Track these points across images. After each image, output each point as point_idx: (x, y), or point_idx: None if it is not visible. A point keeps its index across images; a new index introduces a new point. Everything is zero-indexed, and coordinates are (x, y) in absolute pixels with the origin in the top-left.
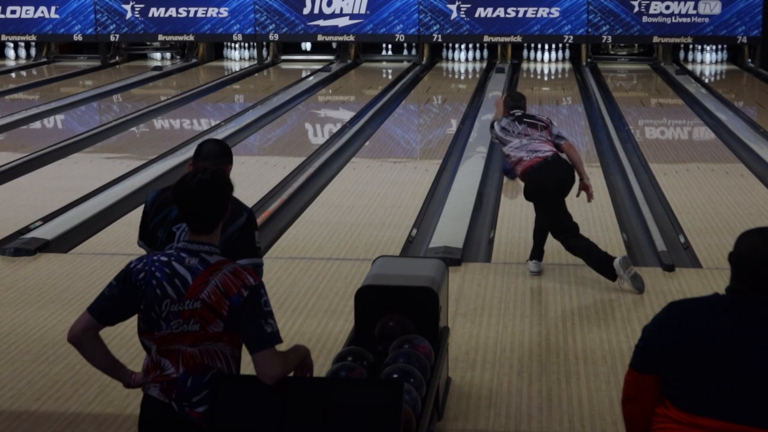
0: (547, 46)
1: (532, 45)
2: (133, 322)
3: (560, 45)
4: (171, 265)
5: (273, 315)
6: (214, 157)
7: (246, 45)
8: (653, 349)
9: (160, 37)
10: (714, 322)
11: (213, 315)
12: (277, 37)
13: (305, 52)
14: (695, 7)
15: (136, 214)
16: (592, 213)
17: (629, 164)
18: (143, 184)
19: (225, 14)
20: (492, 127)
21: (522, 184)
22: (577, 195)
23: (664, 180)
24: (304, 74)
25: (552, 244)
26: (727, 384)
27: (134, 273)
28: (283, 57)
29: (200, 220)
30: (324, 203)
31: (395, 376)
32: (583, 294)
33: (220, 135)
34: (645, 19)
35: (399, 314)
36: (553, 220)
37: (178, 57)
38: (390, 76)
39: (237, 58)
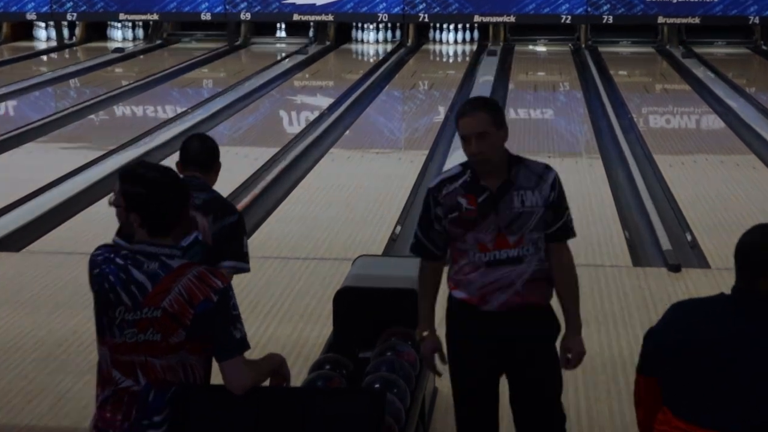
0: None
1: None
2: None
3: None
4: (127, 270)
5: (240, 319)
6: (201, 162)
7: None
8: (657, 351)
9: (122, 16)
10: (720, 324)
11: (175, 324)
12: (249, 16)
13: (279, 33)
14: None
15: (96, 209)
16: (592, 209)
17: (632, 155)
18: (103, 176)
19: None
20: None
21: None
22: None
23: (669, 172)
24: (278, 57)
25: None
26: (732, 391)
27: (92, 263)
28: (256, 38)
29: (160, 218)
30: (300, 198)
31: (377, 385)
32: (582, 296)
33: (187, 123)
34: None
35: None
36: None
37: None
38: (371, 60)
39: (201, 37)
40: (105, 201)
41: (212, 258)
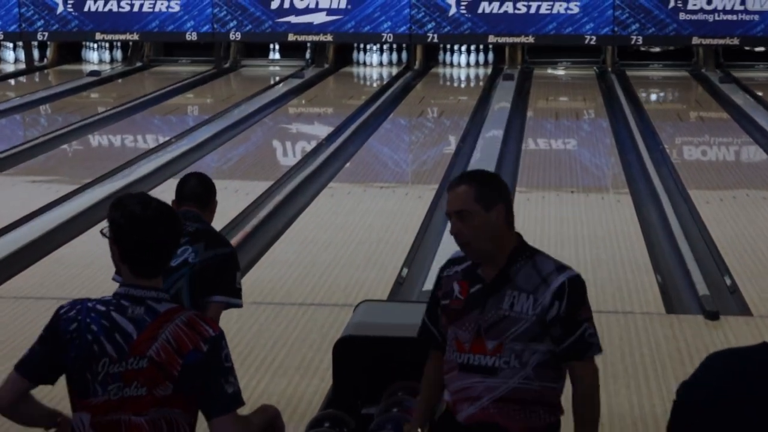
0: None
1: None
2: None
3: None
4: (110, 316)
5: (234, 371)
6: (197, 197)
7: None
8: (690, 407)
9: (98, 36)
10: (763, 378)
11: (162, 376)
12: (239, 36)
13: (273, 55)
14: (743, 2)
15: (68, 251)
16: (620, 250)
17: (664, 191)
18: (76, 213)
19: (176, 8)
20: None
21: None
22: None
23: (706, 210)
24: (271, 81)
25: None
26: None
27: (64, 321)
28: (246, 61)
29: (149, 259)
30: (295, 238)
31: None
32: (609, 347)
33: (170, 154)
34: (682, 16)
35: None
36: None
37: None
38: (375, 84)
39: (190, 61)
40: (78, 242)
41: (198, 287)
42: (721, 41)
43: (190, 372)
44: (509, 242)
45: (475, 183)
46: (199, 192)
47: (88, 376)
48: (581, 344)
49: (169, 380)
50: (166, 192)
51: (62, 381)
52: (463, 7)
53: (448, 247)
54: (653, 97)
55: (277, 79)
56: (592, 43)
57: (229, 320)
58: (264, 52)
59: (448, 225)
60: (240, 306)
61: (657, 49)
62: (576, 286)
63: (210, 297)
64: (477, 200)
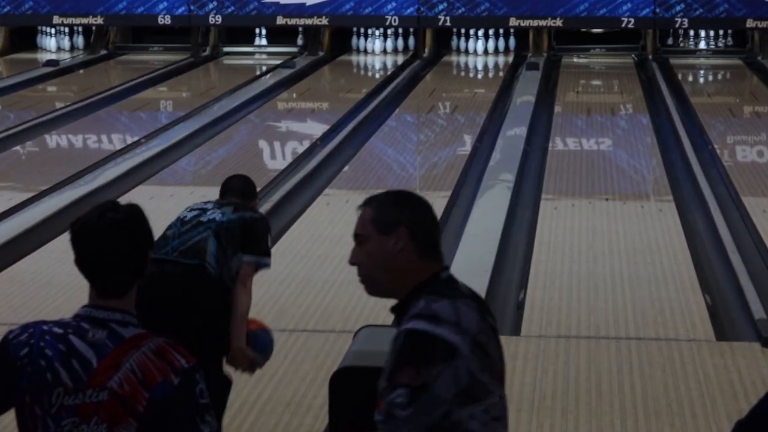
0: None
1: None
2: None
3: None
4: (67, 339)
5: (211, 409)
6: (240, 193)
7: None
8: None
9: (56, 19)
10: None
11: (124, 412)
12: (219, 19)
13: (259, 41)
14: None
15: (23, 267)
16: (662, 266)
17: (713, 197)
18: (32, 225)
19: None
20: None
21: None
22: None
23: (762, 220)
24: (257, 72)
25: (610, 311)
26: None
27: (15, 346)
28: (229, 48)
29: (111, 277)
30: (287, 252)
31: None
32: (651, 379)
33: (139, 156)
34: None
35: None
36: None
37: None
38: (377, 75)
39: (162, 48)
40: (34, 258)
41: (224, 241)
42: None
43: (158, 408)
44: (415, 277)
45: (377, 203)
46: (242, 188)
47: (38, 410)
48: (384, 413)
49: (132, 417)
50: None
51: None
52: None
53: (460, 264)
54: (701, 89)
55: (264, 69)
56: (630, 26)
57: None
58: (249, 38)
59: (462, 239)
60: (268, 266)
61: (599, 30)
62: (411, 341)
63: (238, 255)
64: (372, 221)
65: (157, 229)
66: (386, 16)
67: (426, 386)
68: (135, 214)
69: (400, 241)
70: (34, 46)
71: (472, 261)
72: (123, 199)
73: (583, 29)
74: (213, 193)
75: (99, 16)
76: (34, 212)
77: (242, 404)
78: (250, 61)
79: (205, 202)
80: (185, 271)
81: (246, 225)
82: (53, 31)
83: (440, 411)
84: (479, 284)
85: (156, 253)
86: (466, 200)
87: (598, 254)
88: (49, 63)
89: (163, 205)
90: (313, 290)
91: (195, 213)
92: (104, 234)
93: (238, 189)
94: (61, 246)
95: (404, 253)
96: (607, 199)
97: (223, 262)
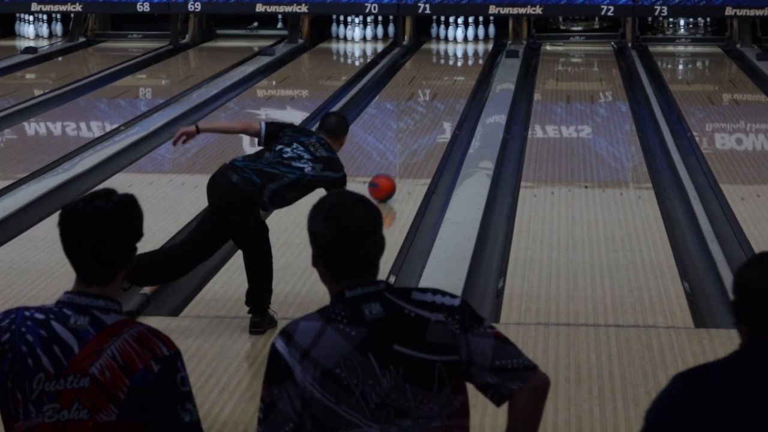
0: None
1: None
2: None
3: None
4: (49, 325)
5: (192, 397)
6: (331, 131)
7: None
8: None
9: (34, 6)
10: (732, 393)
11: (105, 398)
12: (198, 6)
13: (239, 28)
14: None
15: (0, 256)
16: (641, 254)
17: (692, 185)
18: (9, 214)
19: None
20: None
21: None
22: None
23: (740, 207)
24: (237, 59)
25: (588, 299)
26: None
27: None
28: (208, 35)
29: (94, 264)
30: None
31: None
32: (630, 366)
33: (119, 144)
34: None
35: None
36: None
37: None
38: (357, 62)
39: (141, 36)
40: (12, 246)
41: (297, 189)
42: (760, 12)
43: (139, 395)
44: (331, 290)
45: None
46: (334, 128)
47: (19, 395)
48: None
49: (113, 404)
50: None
51: None
52: None
53: (441, 252)
54: (680, 76)
55: (244, 57)
56: (610, 14)
57: (188, 336)
58: (228, 26)
59: (442, 227)
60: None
61: (579, 28)
62: (269, 355)
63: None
64: None
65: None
66: (366, 4)
67: (273, 404)
68: (124, 205)
69: (313, 257)
70: (12, 33)
71: (451, 249)
72: (101, 187)
73: (563, 25)
74: (193, 180)
75: (77, 3)
76: (12, 200)
77: (220, 392)
78: (229, 49)
79: (305, 143)
80: (240, 188)
81: (326, 182)
82: (32, 18)
83: (287, 429)
84: (458, 272)
85: (240, 160)
86: (445, 188)
87: (578, 242)
88: (28, 50)
89: (142, 192)
90: (292, 278)
91: (292, 156)
92: (87, 221)
93: (329, 129)
94: (40, 234)
95: (319, 268)
96: (586, 187)
97: (279, 199)
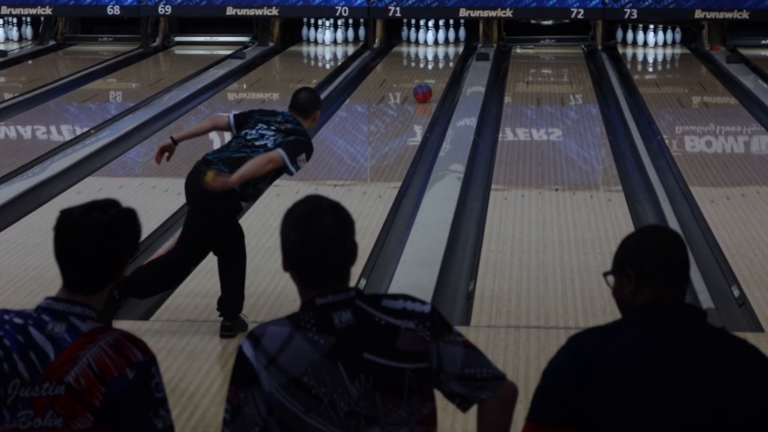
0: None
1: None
2: None
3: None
4: (27, 330)
5: (167, 403)
6: (301, 108)
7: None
8: (557, 397)
9: (3, 9)
10: (631, 352)
11: (81, 406)
12: (169, 9)
13: (209, 32)
14: None
15: None
16: (612, 255)
17: (662, 188)
18: None
19: None
20: None
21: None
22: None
23: (710, 210)
24: (207, 63)
25: (559, 301)
26: None
27: None
28: (178, 38)
29: (81, 274)
30: None
31: None
32: None
33: (89, 147)
34: None
35: None
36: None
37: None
38: (327, 66)
39: (112, 39)
40: None
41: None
42: (729, 15)
43: (114, 402)
44: (302, 298)
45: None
46: (304, 104)
47: None
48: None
49: (89, 411)
50: (83, 193)
51: None
52: None
53: (411, 255)
54: (650, 79)
55: (215, 60)
56: (580, 17)
57: (158, 340)
58: (199, 29)
59: (412, 230)
60: (291, 174)
61: (549, 22)
62: (236, 357)
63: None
64: None
65: None
66: (336, 7)
67: (240, 407)
68: (121, 218)
69: (285, 264)
70: None
71: (422, 251)
72: (71, 191)
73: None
74: (163, 184)
75: (47, 6)
76: None
77: (191, 397)
78: (200, 52)
79: (269, 122)
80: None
81: (289, 138)
82: (1, 21)
83: None
84: (429, 275)
85: (210, 154)
86: (416, 191)
87: (548, 244)
88: None
89: (112, 196)
90: (263, 281)
91: (255, 136)
92: (79, 231)
93: (299, 106)
94: (9, 238)
95: (292, 275)
96: (556, 190)
97: (249, 189)
